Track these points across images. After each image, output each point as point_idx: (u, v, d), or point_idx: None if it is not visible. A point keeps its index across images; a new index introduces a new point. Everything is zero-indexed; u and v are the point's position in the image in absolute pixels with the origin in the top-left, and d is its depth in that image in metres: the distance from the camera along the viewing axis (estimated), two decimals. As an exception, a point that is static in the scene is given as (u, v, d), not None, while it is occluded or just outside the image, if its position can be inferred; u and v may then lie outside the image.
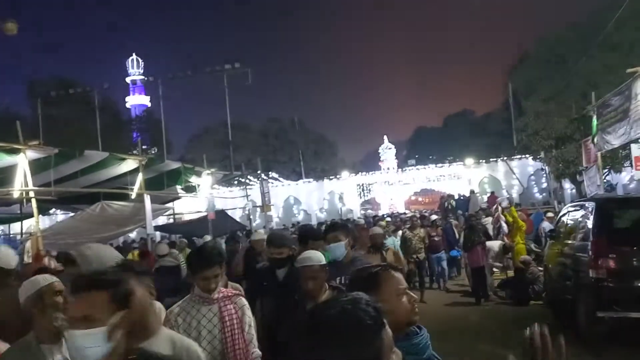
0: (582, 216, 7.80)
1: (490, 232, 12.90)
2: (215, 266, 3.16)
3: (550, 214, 13.94)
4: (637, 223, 7.28)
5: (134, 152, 18.64)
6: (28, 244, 9.88)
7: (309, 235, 4.56)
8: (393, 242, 10.31)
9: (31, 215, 9.82)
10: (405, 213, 23.56)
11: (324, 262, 3.42)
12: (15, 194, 8.73)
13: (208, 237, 11.40)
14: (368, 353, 1.17)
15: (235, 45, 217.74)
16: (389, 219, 18.69)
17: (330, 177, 35.81)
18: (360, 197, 33.73)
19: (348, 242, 4.11)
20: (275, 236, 4.37)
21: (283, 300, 3.59)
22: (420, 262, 11.44)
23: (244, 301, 3.34)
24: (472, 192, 24.48)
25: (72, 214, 12.47)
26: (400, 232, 12.68)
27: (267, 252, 4.28)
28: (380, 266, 1.96)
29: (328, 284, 3.46)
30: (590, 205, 7.53)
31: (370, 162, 55.61)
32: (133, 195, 11.30)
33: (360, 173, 36.33)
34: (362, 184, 33.72)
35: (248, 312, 3.30)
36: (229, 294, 3.28)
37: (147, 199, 11.10)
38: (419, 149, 53.37)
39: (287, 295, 3.55)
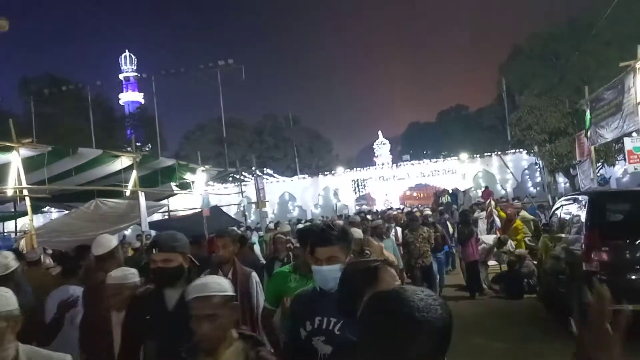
0: (575, 210, 7.84)
1: (484, 226, 13.01)
2: None
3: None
4: (629, 216, 7.32)
5: (128, 149, 18.58)
6: (22, 242, 9.85)
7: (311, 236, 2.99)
8: (392, 244, 8.80)
9: (25, 213, 9.78)
10: (400, 208, 23.39)
11: (229, 292, 2.28)
12: (9, 192, 8.69)
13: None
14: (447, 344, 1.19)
15: (229, 42, 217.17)
16: (362, 215, 15.98)
17: (325, 173, 35.89)
18: (355, 193, 33.82)
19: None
20: (163, 237, 2.96)
21: (172, 345, 2.34)
22: (427, 267, 9.68)
23: None
24: (455, 189, 24.67)
25: (66, 212, 12.43)
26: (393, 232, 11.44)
27: (151, 261, 2.92)
28: (379, 261, 1.96)
29: (238, 330, 2.32)
30: (584, 198, 7.57)
31: (365, 158, 55.72)
32: (127, 193, 11.28)
33: (355, 169, 36.41)
34: (357, 180, 33.80)
35: None
36: None
37: (141, 196, 11.09)
38: (413, 144, 53.50)
39: (181, 335, 2.28)
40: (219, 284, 2.26)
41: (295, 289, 3.20)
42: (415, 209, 15.06)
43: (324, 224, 2.75)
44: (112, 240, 4.36)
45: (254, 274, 4.35)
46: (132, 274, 3.60)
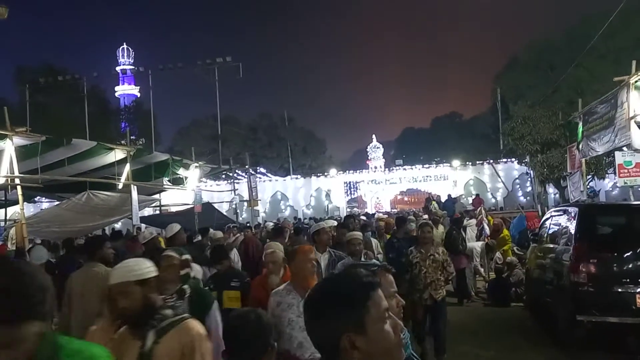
0: (565, 221, 7.92)
1: (474, 234, 13.05)
2: None
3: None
4: (618, 229, 7.42)
5: (122, 142, 18.53)
6: (12, 231, 9.81)
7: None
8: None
9: (16, 202, 9.72)
10: (377, 213, 22.42)
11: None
12: (1, 180, 8.63)
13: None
14: (360, 310, 1.22)
15: (227, 39, 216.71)
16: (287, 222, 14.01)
17: (318, 174, 35.91)
18: (347, 195, 33.85)
19: None
20: None
21: None
22: (435, 305, 6.68)
23: None
24: (450, 196, 24.79)
25: (57, 203, 12.37)
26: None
27: None
28: (377, 265, 1.98)
29: None
30: (574, 210, 7.66)
31: (358, 161, 55.66)
32: (120, 186, 11.24)
33: (347, 171, 36.43)
34: (350, 182, 33.84)
35: None
36: None
37: (133, 190, 11.07)
38: (407, 149, 53.63)
39: None
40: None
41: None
42: (411, 215, 14.84)
43: None
44: None
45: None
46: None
